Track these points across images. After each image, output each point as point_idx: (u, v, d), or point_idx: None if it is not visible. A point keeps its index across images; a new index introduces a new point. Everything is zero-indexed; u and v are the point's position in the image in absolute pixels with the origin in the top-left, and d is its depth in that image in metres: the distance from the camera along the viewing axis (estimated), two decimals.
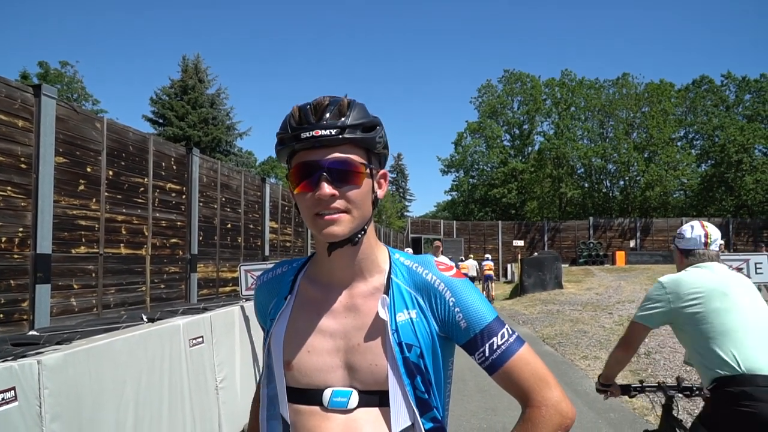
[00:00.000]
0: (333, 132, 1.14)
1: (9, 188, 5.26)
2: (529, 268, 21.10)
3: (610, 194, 54.75)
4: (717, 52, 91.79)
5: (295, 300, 1.31)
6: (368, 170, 1.20)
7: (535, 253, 32.06)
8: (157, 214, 7.76)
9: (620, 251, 37.90)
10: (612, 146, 51.60)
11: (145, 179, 7.52)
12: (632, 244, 40.41)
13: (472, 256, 29.86)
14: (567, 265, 35.37)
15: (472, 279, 23.11)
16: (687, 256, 3.21)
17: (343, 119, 1.16)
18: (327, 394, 1.20)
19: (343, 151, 1.17)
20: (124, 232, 7.10)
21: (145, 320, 3.91)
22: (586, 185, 54.99)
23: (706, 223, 3.27)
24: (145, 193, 7.52)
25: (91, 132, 6.48)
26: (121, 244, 7.06)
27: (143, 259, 7.49)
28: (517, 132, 57.38)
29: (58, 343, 2.90)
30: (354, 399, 1.19)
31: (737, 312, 2.64)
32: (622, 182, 53.67)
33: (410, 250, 11.09)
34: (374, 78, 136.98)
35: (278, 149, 1.23)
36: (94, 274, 6.55)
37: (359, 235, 1.22)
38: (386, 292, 1.23)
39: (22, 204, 5.42)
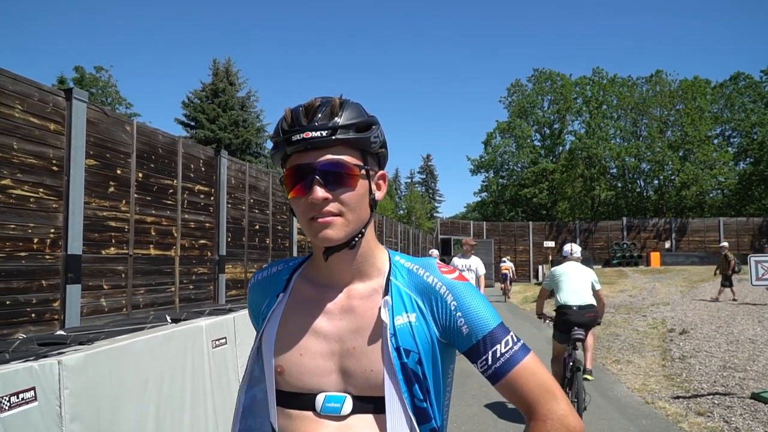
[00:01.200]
0: (324, 133, 1.11)
1: (41, 190, 5.36)
2: None
3: (644, 194, 53.73)
4: (753, 48, 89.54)
5: (288, 299, 1.26)
6: (364, 171, 1.16)
7: None
8: (186, 216, 7.84)
9: (655, 252, 37.20)
10: (646, 145, 50.63)
11: (174, 181, 7.60)
12: (667, 244, 39.62)
13: (508, 257, 29.71)
14: (600, 267, 34.87)
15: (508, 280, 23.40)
16: (563, 258, 7.08)
17: (335, 120, 1.12)
18: (320, 399, 1.15)
19: (336, 152, 1.13)
20: (153, 234, 7.19)
21: (169, 321, 3.93)
22: (619, 185, 54.05)
23: (573, 245, 7.19)
24: (174, 195, 7.60)
25: (121, 135, 6.57)
26: (151, 245, 7.15)
27: (172, 260, 7.57)
28: (548, 131, 56.70)
29: (80, 344, 2.92)
30: (348, 405, 1.14)
31: (567, 282, 6.30)
32: (656, 182, 52.61)
33: (435, 252, 11.92)
34: (403, 78, 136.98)
35: (272, 153, 1.20)
36: (123, 275, 6.65)
37: (356, 239, 1.17)
38: (386, 295, 1.18)
39: (54, 205, 5.52)
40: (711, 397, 6.61)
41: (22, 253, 5.15)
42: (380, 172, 1.25)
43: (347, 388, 1.15)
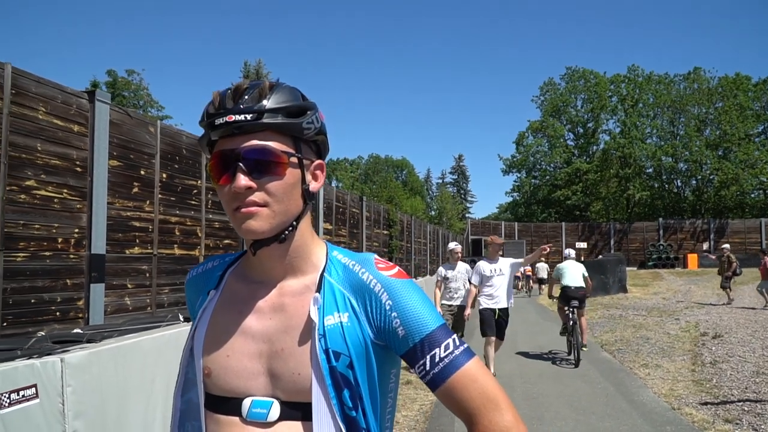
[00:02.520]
0: (249, 117, 1.02)
1: (65, 191, 5.46)
2: (590, 271, 20.31)
3: (681, 194, 52.56)
4: None
5: (219, 297, 1.18)
6: (295, 159, 1.08)
7: (600, 256, 31.08)
8: (210, 216, 7.91)
9: (692, 254, 36.38)
10: (683, 144, 49.55)
11: (198, 182, 7.68)
12: (705, 246, 38.67)
13: (543, 258, 29.33)
14: (635, 269, 34.20)
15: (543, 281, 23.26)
16: (564, 258, 10.59)
17: (261, 103, 1.04)
18: (246, 404, 1.07)
19: (263, 138, 1.05)
20: (177, 233, 7.27)
21: (182, 319, 3.96)
22: (655, 185, 52.97)
23: (570, 249, 11.17)
24: (199, 195, 7.67)
25: (144, 136, 6.66)
26: (175, 245, 7.24)
27: (197, 259, 7.64)
28: (581, 131, 55.92)
29: (88, 341, 2.96)
30: (275, 411, 1.06)
31: (567, 273, 9.81)
32: (694, 181, 51.43)
33: (454, 246, 8.98)
34: (435, 78, 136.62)
35: (199, 139, 1.13)
36: (148, 274, 6.74)
37: (286, 232, 1.09)
38: (317, 291, 1.10)
39: (78, 206, 5.62)
40: (741, 403, 6.39)
41: (47, 253, 5.26)
42: (317, 162, 1.15)
43: (275, 393, 1.08)
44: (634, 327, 12.78)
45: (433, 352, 1.05)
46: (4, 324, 4.73)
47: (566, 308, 9.56)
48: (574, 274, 9.79)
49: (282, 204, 1.06)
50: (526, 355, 9.90)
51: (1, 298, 4.73)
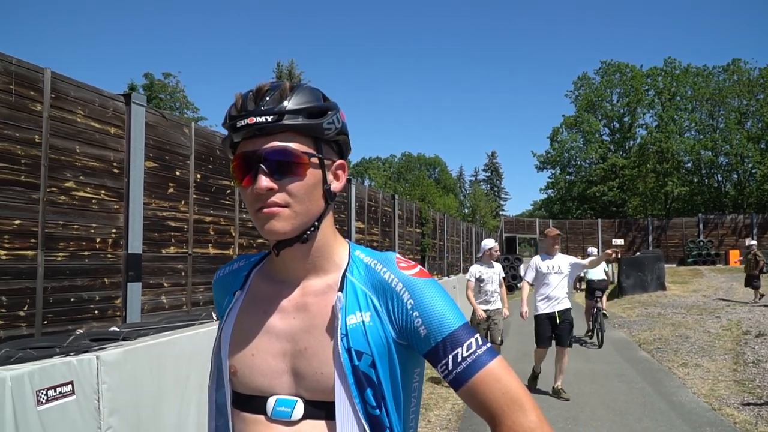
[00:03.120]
0: (270, 118, 1.03)
1: (103, 192, 5.59)
2: (628, 269, 20.00)
3: (722, 189, 51.22)
4: None
5: (245, 296, 1.20)
6: (316, 160, 1.08)
7: (637, 253, 30.49)
8: (244, 215, 8.00)
9: (734, 250, 35.41)
10: (723, 137, 48.25)
11: (232, 182, 7.75)
12: (748, 242, 37.60)
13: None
14: (674, 266, 33.49)
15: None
16: (587, 255, 10.78)
17: (282, 104, 1.05)
18: (271, 402, 1.09)
19: (284, 139, 1.06)
20: (212, 233, 7.38)
21: (215, 318, 4.01)
22: (695, 180, 51.72)
23: (592, 248, 13.31)
24: (232, 195, 7.77)
25: (179, 137, 6.78)
26: (209, 244, 7.34)
27: (230, 258, 7.73)
28: (617, 125, 54.90)
29: (123, 339, 3.02)
30: (299, 410, 1.07)
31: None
32: (735, 176, 50.07)
33: (489, 242, 8.01)
34: (467, 75, 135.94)
35: (222, 141, 1.15)
36: (183, 273, 6.85)
37: (308, 232, 1.10)
38: (340, 291, 1.10)
39: (115, 206, 5.74)
40: None
41: (86, 252, 5.39)
42: (338, 162, 1.16)
43: (299, 392, 1.09)
44: (673, 325, 12.51)
45: (456, 352, 1.04)
46: (45, 322, 4.87)
47: (594, 301, 11.11)
48: (596, 269, 11.57)
49: (303, 204, 1.07)
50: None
51: (42, 297, 4.86)
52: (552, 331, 6.99)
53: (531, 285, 7.30)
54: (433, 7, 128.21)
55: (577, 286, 16.27)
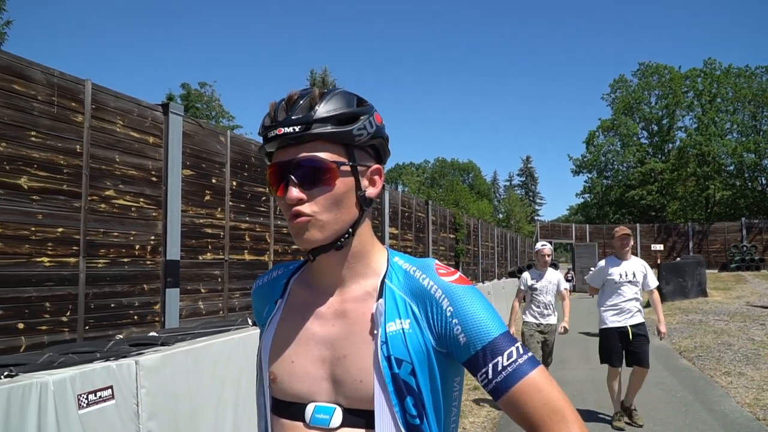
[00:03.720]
0: (297, 129, 1.04)
1: (142, 200, 5.72)
2: (667, 274, 19.53)
3: (767, 192, 49.74)
4: None
5: (285, 305, 1.20)
6: (347, 168, 1.08)
7: (678, 258, 29.81)
8: (279, 222, 8.08)
9: None
10: (767, 140, 46.88)
11: (267, 189, 7.85)
12: None
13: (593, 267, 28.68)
14: (716, 271, 32.61)
15: None
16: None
17: (310, 113, 1.04)
18: (309, 409, 1.09)
19: (313, 148, 1.05)
20: (247, 239, 7.47)
21: (250, 323, 4.06)
22: (737, 183, 50.34)
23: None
24: (267, 202, 7.86)
25: (215, 145, 6.89)
26: (245, 251, 7.44)
27: (266, 264, 7.83)
28: (656, 128, 53.85)
29: (162, 344, 3.08)
30: (337, 417, 1.06)
31: None
32: None
33: (544, 251, 6.85)
34: (501, 79, 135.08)
35: (259, 149, 1.15)
36: (220, 279, 6.96)
37: (342, 239, 1.10)
38: (379, 298, 1.09)
39: (153, 214, 5.86)
40: None
41: (125, 259, 5.51)
42: (374, 167, 1.14)
43: (338, 399, 1.08)
44: (715, 333, 12.17)
45: (496, 361, 1.02)
46: (86, 327, 4.99)
47: None
48: None
49: (332, 213, 1.07)
50: (597, 360, 9.59)
51: (84, 303, 4.99)
52: (624, 347, 5.89)
53: (594, 289, 6.33)
54: (468, 13, 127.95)
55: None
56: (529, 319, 6.63)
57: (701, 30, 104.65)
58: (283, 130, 1.05)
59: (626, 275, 5.92)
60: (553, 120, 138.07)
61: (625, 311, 5.88)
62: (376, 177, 1.15)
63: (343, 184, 1.08)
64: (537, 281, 6.67)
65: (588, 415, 6.23)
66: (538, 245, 6.99)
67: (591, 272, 6.68)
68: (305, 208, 1.05)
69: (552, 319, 6.62)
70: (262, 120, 1.11)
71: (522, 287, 6.87)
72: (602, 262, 6.25)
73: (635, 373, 5.95)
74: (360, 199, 1.11)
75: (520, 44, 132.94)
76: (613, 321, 5.91)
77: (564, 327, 6.62)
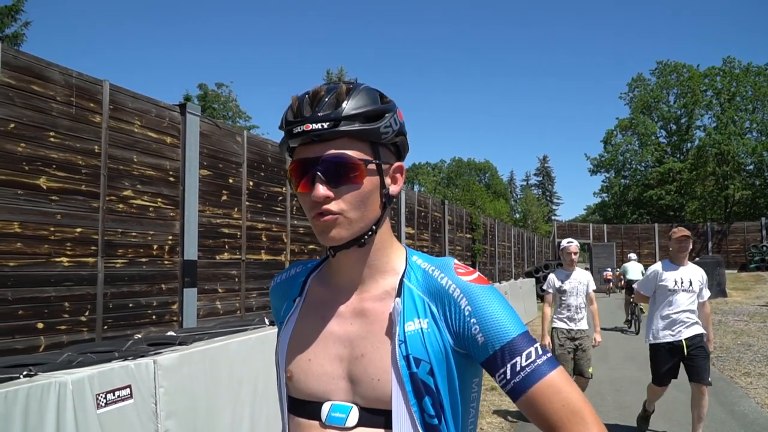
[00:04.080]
0: (326, 125, 1.01)
1: (159, 200, 5.74)
2: None
3: None
4: None
5: (303, 303, 1.19)
6: (373, 166, 1.06)
7: (696, 258, 29.43)
8: (295, 222, 8.09)
9: None
10: None
11: (283, 188, 7.87)
12: None
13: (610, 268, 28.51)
14: (735, 271, 32.17)
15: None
16: (628, 260, 15.56)
17: (338, 110, 1.02)
18: (325, 408, 1.07)
19: (339, 146, 1.03)
20: (264, 239, 7.48)
21: (267, 323, 4.06)
22: (757, 183, 49.61)
23: (632, 254, 16.19)
24: (284, 202, 7.87)
25: (232, 146, 6.91)
26: (262, 251, 7.45)
27: (283, 264, 7.83)
28: (674, 127, 53.23)
29: (180, 344, 3.08)
30: (354, 416, 1.05)
31: (630, 270, 15.17)
32: None
33: (570, 248, 6.14)
34: (517, 78, 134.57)
35: (279, 145, 1.12)
36: (237, 279, 6.97)
37: (365, 237, 1.08)
38: (397, 297, 1.08)
39: (171, 214, 5.89)
40: None
41: (143, 259, 5.54)
42: (396, 164, 1.13)
43: (354, 398, 1.07)
44: (734, 333, 12.01)
45: (514, 361, 1.00)
46: (105, 327, 5.02)
47: (631, 297, 12.52)
48: (635, 270, 14.37)
49: (359, 211, 1.05)
50: (616, 360, 9.49)
51: (103, 303, 5.02)
52: (676, 363, 5.19)
53: (643, 296, 5.51)
54: (485, 13, 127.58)
55: (620, 284, 19.25)
56: (559, 324, 5.97)
57: (720, 29, 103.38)
58: (310, 126, 1.02)
59: (682, 282, 5.16)
60: (571, 119, 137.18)
61: (678, 323, 5.14)
62: (398, 175, 1.14)
63: (370, 182, 1.06)
64: (565, 282, 6.00)
65: (606, 417, 6.15)
66: (564, 242, 6.26)
67: (642, 278, 5.82)
68: (332, 206, 1.03)
69: (583, 324, 5.95)
70: (283, 114, 1.09)
71: (550, 290, 6.17)
72: (655, 267, 5.43)
73: (695, 396, 5.07)
74: (384, 196, 1.09)
75: (537, 44, 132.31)
76: (664, 335, 5.16)
77: (596, 339, 6.01)
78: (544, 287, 6.33)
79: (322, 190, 1.02)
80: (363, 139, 1.06)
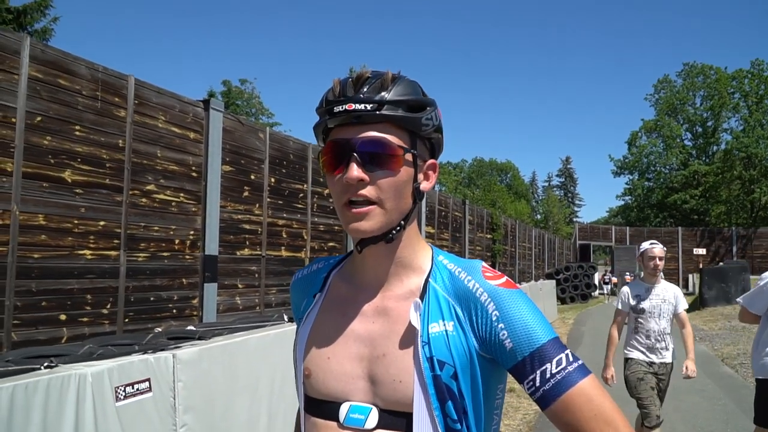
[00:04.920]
0: (369, 107, 0.98)
1: (182, 195, 5.78)
2: (710, 279, 19.02)
3: None
4: None
5: (324, 299, 1.16)
6: (410, 156, 1.03)
7: (721, 263, 28.97)
8: (316, 219, 8.10)
9: None
10: None
11: (305, 185, 7.88)
12: None
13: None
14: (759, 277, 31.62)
15: None
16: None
17: (382, 94, 1.00)
18: (344, 408, 1.04)
19: (381, 130, 1.00)
20: (284, 236, 7.50)
21: (286, 319, 4.06)
22: None
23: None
24: (305, 199, 7.88)
25: (254, 142, 6.94)
26: (282, 247, 7.47)
27: (302, 261, 7.85)
28: (700, 130, 52.35)
29: (199, 338, 3.09)
30: (373, 418, 1.01)
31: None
32: None
33: (653, 252, 4.51)
34: (541, 79, 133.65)
35: (314, 126, 1.09)
36: (257, 275, 7.00)
37: (394, 232, 1.04)
38: (422, 297, 1.04)
39: (193, 209, 5.92)
40: None
41: (165, 253, 5.58)
42: (430, 161, 1.11)
43: (375, 400, 1.03)
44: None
45: (544, 368, 0.96)
46: (126, 320, 5.07)
47: None
48: None
49: (392, 201, 1.02)
50: None
51: (124, 296, 5.07)
52: None
53: (754, 316, 4.10)
54: (509, 13, 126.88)
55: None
56: (635, 355, 4.55)
57: (748, 31, 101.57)
58: (353, 105, 0.99)
59: None
60: (594, 120, 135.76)
61: None
62: (431, 172, 1.11)
63: (405, 172, 1.03)
64: (645, 299, 4.54)
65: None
66: (645, 245, 4.74)
67: (751, 294, 4.20)
68: (366, 191, 1.00)
69: (669, 356, 4.53)
70: (323, 95, 1.06)
71: (621, 307, 4.70)
72: (765, 277, 4.05)
73: None
74: (415, 191, 1.06)
75: (562, 45, 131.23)
76: None
77: (688, 367, 4.48)
78: (616, 304, 4.91)
79: (356, 171, 0.99)
80: (403, 128, 1.03)
